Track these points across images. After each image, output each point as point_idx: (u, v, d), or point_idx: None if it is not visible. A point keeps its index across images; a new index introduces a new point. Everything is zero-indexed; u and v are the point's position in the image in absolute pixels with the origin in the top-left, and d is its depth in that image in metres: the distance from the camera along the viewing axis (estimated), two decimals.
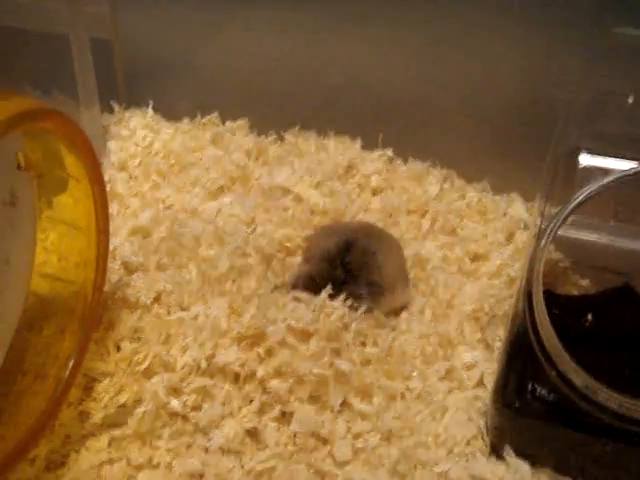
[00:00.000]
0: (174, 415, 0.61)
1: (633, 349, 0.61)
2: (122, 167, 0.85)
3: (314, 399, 0.61)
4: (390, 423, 0.61)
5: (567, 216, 0.59)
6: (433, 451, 0.61)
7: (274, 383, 0.61)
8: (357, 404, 0.62)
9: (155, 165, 0.84)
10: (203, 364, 0.61)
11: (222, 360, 0.61)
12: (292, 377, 0.61)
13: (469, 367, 0.66)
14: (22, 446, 0.55)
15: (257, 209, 0.77)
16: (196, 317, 0.64)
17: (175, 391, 0.61)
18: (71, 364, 0.60)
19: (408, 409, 0.63)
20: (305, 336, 0.63)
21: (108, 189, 0.63)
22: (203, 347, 0.62)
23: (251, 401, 0.61)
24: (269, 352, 0.62)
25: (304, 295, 0.65)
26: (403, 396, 0.64)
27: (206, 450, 0.60)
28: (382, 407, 0.62)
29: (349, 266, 0.67)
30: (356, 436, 0.61)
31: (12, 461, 0.55)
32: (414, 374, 0.65)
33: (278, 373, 0.61)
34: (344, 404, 0.62)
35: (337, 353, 0.63)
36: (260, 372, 0.61)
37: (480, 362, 0.66)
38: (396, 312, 0.70)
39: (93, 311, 0.62)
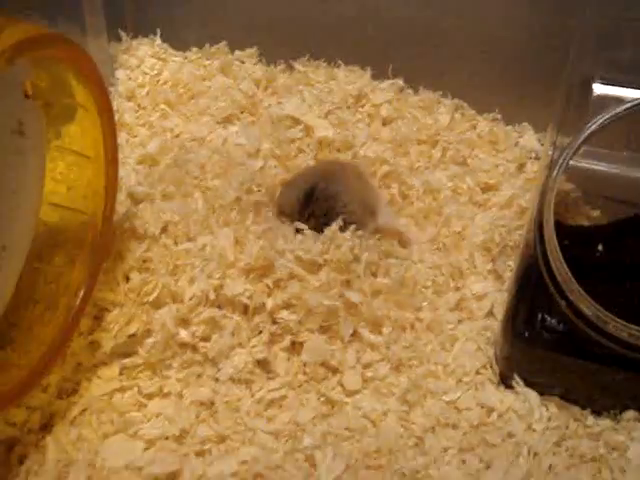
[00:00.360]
0: (183, 345, 0.61)
1: None
2: (130, 96, 0.84)
3: (324, 329, 0.62)
4: (400, 353, 0.62)
5: (580, 146, 0.58)
6: (442, 380, 0.61)
7: (284, 314, 0.61)
8: (367, 334, 0.62)
9: (163, 94, 0.83)
10: (211, 295, 0.61)
11: (230, 291, 0.61)
12: (302, 309, 0.61)
13: (479, 297, 0.66)
14: (35, 374, 0.56)
15: (265, 139, 0.76)
16: (203, 248, 0.64)
17: (184, 322, 0.61)
18: (81, 294, 0.60)
19: (418, 339, 0.64)
20: (314, 268, 0.63)
21: (116, 119, 0.62)
22: (211, 278, 0.62)
23: (260, 332, 0.61)
24: (278, 284, 0.62)
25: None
26: (413, 326, 0.64)
27: (216, 380, 0.61)
28: (392, 337, 0.63)
29: (316, 215, 0.67)
30: (366, 366, 0.62)
31: (25, 388, 0.55)
32: (424, 304, 0.65)
33: (287, 305, 0.61)
34: (354, 335, 0.63)
35: (347, 284, 0.63)
36: (269, 304, 0.61)
37: (490, 292, 0.67)
38: (404, 243, 0.70)
39: (102, 241, 0.62)
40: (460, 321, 0.65)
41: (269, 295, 0.62)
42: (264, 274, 0.62)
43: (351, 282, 0.63)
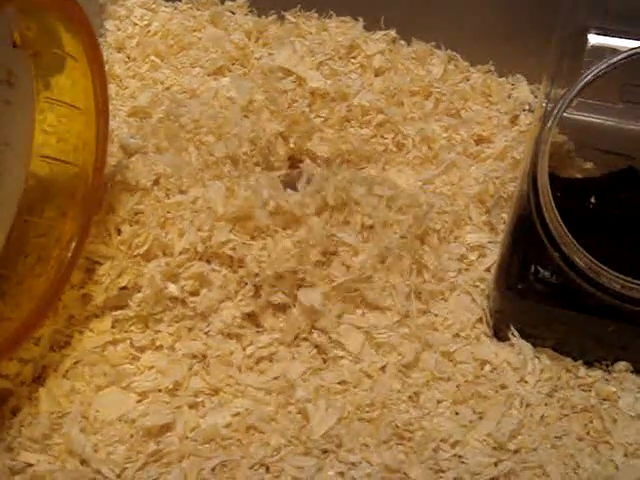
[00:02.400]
0: (174, 300, 0.61)
1: (636, 231, 0.60)
2: (119, 48, 0.83)
3: (315, 279, 0.62)
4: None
5: (575, 96, 0.58)
6: (440, 333, 0.62)
7: (267, 266, 0.61)
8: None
9: (153, 45, 0.82)
10: (200, 248, 0.61)
11: (218, 243, 0.61)
12: (290, 258, 0.61)
13: (473, 249, 0.66)
14: (27, 326, 0.56)
15: (257, 90, 0.75)
16: (195, 201, 0.64)
17: (173, 276, 0.61)
18: (73, 246, 0.60)
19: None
20: (302, 217, 0.63)
21: (106, 70, 0.61)
22: (200, 231, 0.62)
23: (246, 284, 0.61)
24: (261, 235, 0.62)
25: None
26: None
27: (207, 334, 0.61)
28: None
29: None
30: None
31: (18, 341, 0.55)
32: (426, 249, 0.65)
33: (272, 257, 0.61)
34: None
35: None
36: (252, 256, 0.61)
37: (485, 244, 0.66)
38: None
39: (93, 193, 0.62)
40: (459, 271, 0.65)
41: (252, 247, 0.62)
42: (248, 226, 0.62)
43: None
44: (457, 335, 0.62)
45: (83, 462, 0.55)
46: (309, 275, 0.61)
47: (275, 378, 0.59)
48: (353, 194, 0.64)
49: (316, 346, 0.61)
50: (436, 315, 0.63)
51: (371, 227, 0.63)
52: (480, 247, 0.66)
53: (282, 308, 0.62)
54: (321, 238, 0.62)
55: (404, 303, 0.62)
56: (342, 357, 0.60)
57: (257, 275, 0.61)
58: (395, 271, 0.63)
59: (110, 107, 0.62)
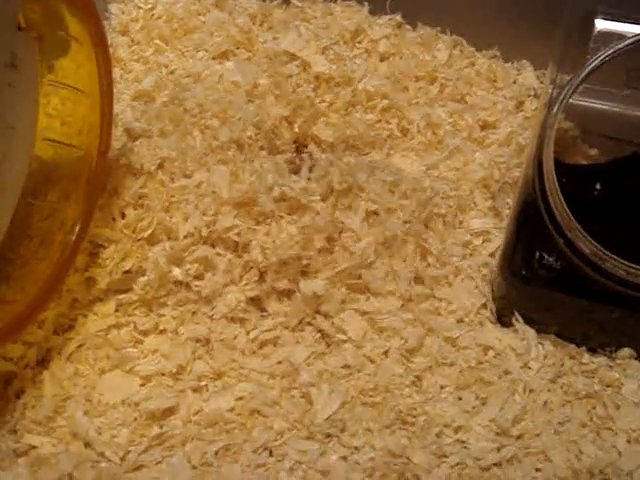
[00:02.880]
0: (178, 283, 0.61)
1: None
2: (124, 31, 0.82)
3: (318, 265, 0.62)
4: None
5: (581, 82, 0.58)
6: (444, 317, 0.62)
7: (271, 252, 0.61)
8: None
9: (158, 29, 0.81)
10: (204, 232, 0.61)
11: (222, 228, 0.61)
12: (298, 240, 0.61)
13: (478, 234, 0.66)
14: (31, 309, 0.56)
15: (261, 75, 0.75)
16: (199, 185, 0.64)
17: (177, 260, 0.61)
18: (77, 230, 0.60)
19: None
20: (306, 202, 0.63)
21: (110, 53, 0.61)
22: (205, 215, 0.62)
23: (251, 268, 0.61)
24: (266, 221, 0.62)
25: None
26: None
27: (211, 318, 0.61)
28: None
29: None
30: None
31: (22, 324, 0.55)
32: (430, 234, 0.65)
33: (276, 242, 0.61)
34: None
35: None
36: (257, 241, 0.61)
37: (489, 230, 0.66)
38: None
39: (98, 177, 0.62)
40: (464, 257, 0.65)
41: (257, 232, 0.62)
42: (253, 211, 0.62)
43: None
44: (461, 320, 0.62)
45: (87, 445, 0.55)
46: (313, 261, 0.61)
47: (279, 362, 0.59)
48: (358, 179, 0.64)
49: (320, 331, 0.61)
50: (440, 300, 0.63)
51: (375, 213, 0.63)
52: (485, 232, 0.66)
53: (286, 294, 0.62)
54: (326, 224, 0.62)
55: (407, 288, 0.62)
56: (345, 341, 0.60)
57: (262, 261, 0.61)
58: (398, 256, 0.63)
59: (114, 91, 0.62)
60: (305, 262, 0.61)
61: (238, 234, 0.61)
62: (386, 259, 0.62)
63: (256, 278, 0.61)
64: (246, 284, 0.61)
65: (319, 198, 0.63)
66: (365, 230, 0.63)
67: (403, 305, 0.61)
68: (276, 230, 0.61)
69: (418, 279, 0.63)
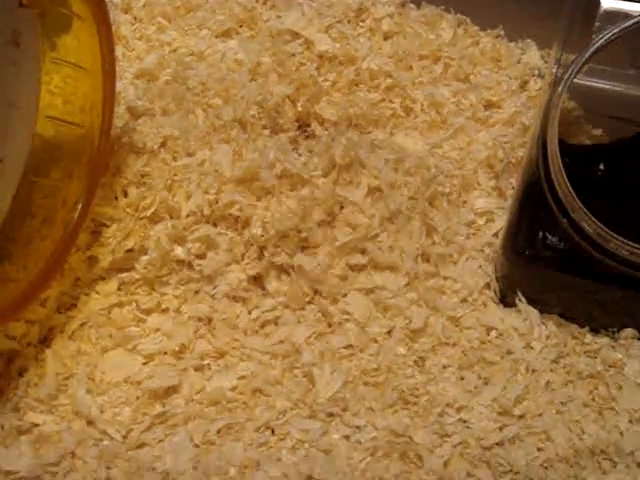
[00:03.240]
0: (180, 262, 0.61)
1: None
2: (126, 9, 0.82)
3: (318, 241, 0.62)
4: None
5: (585, 62, 0.57)
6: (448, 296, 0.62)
7: (273, 227, 0.61)
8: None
9: (160, 7, 0.81)
10: (206, 211, 0.61)
11: (224, 204, 0.61)
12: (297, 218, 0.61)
13: (482, 214, 0.66)
14: (33, 288, 0.56)
15: (264, 53, 0.75)
16: (202, 163, 0.63)
17: (180, 239, 0.61)
18: (79, 208, 0.60)
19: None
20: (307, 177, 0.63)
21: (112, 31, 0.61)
22: (207, 194, 0.62)
23: (251, 245, 0.61)
24: (267, 198, 0.62)
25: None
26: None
27: (213, 297, 0.61)
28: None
29: None
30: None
31: (24, 302, 0.55)
32: (435, 212, 0.65)
33: (279, 218, 0.61)
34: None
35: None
36: (258, 218, 0.61)
37: (493, 209, 0.66)
38: None
39: (100, 155, 0.61)
40: (467, 237, 0.65)
41: (257, 207, 0.62)
42: (254, 187, 0.62)
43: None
44: (464, 300, 0.61)
45: (89, 423, 0.55)
46: (313, 235, 0.61)
47: (280, 342, 0.59)
48: (360, 155, 0.63)
49: (320, 310, 0.61)
50: (445, 279, 0.62)
51: (378, 189, 0.63)
52: (488, 212, 0.66)
53: (286, 270, 0.61)
54: (325, 196, 0.62)
55: (413, 265, 0.62)
56: (348, 320, 0.60)
57: (261, 235, 0.60)
58: (404, 232, 0.62)
59: (117, 69, 0.62)
60: (304, 235, 0.61)
61: (240, 210, 0.61)
62: (392, 234, 0.62)
63: (256, 255, 0.61)
64: (247, 262, 0.61)
65: (320, 173, 0.63)
66: (368, 204, 0.62)
67: (408, 283, 0.61)
68: (276, 204, 0.61)
69: (424, 256, 0.63)
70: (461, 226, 0.65)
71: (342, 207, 0.63)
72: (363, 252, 0.62)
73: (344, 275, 0.61)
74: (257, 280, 0.62)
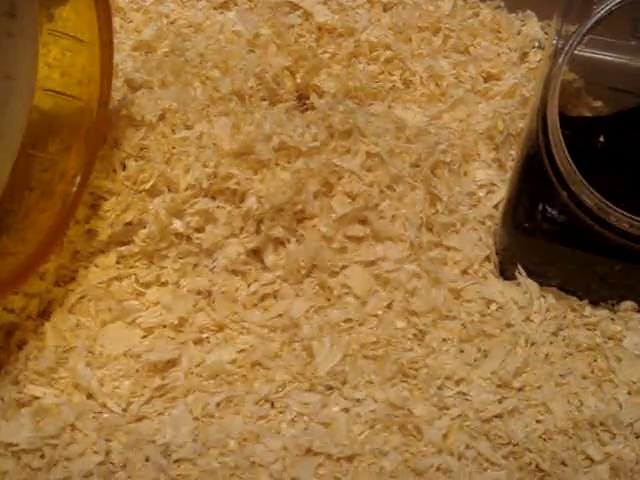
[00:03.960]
0: (179, 236, 0.61)
1: None
2: None
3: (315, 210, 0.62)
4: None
5: (586, 33, 0.57)
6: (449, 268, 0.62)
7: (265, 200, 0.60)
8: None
9: None
10: (205, 184, 0.61)
11: (222, 180, 0.61)
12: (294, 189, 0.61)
13: (482, 186, 0.66)
14: (32, 261, 0.56)
15: (263, 25, 0.74)
16: (200, 136, 0.63)
17: (178, 212, 0.61)
18: (77, 181, 0.60)
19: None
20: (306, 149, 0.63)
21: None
22: (206, 167, 0.61)
23: (249, 218, 0.61)
24: (263, 170, 0.62)
25: None
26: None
27: (212, 270, 0.61)
28: None
29: None
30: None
31: (23, 275, 0.55)
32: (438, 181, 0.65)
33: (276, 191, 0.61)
34: None
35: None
36: (254, 191, 0.61)
37: (494, 181, 0.66)
38: None
39: (98, 128, 0.61)
40: (470, 207, 0.65)
41: (254, 181, 0.61)
42: (250, 160, 0.62)
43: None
44: (465, 272, 0.61)
45: (89, 396, 0.55)
46: (309, 206, 0.61)
47: (279, 315, 0.59)
48: (358, 123, 0.63)
49: (318, 283, 0.60)
50: (448, 249, 0.62)
51: (377, 155, 0.63)
52: (489, 184, 0.66)
53: (283, 243, 0.61)
54: (320, 167, 0.61)
55: (417, 234, 0.61)
56: (347, 294, 0.60)
57: (257, 209, 0.60)
58: (407, 201, 0.62)
59: (114, 41, 0.61)
60: (300, 207, 0.61)
61: (237, 183, 0.61)
62: (394, 202, 0.62)
63: (254, 229, 0.61)
64: (246, 236, 0.61)
65: (318, 144, 0.62)
66: (366, 172, 0.62)
67: (410, 255, 0.61)
68: (270, 177, 0.61)
69: (427, 225, 0.63)
70: (463, 196, 0.65)
71: (340, 177, 0.62)
72: (363, 222, 0.61)
73: (343, 247, 0.61)
74: (256, 253, 0.61)
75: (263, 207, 0.60)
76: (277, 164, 0.62)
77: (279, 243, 0.61)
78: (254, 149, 0.61)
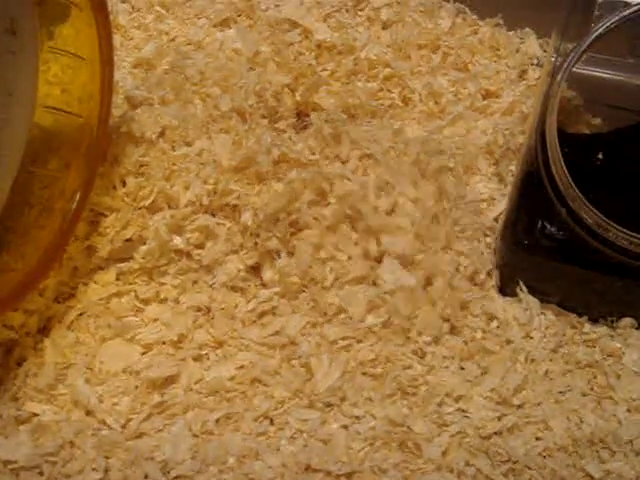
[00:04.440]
0: (179, 252, 0.61)
1: None
2: None
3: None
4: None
5: (585, 51, 0.57)
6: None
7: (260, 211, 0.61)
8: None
9: None
10: (205, 201, 0.61)
11: (222, 195, 0.61)
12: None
13: (483, 200, 0.66)
14: (31, 278, 0.56)
15: (262, 42, 0.74)
16: (200, 153, 0.63)
17: (178, 229, 0.61)
18: (77, 198, 0.60)
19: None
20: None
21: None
22: (206, 184, 0.61)
23: (250, 235, 0.61)
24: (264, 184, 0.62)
25: None
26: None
27: (211, 287, 0.61)
28: None
29: None
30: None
31: (22, 291, 0.55)
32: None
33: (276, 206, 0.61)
34: None
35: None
36: (254, 206, 0.61)
37: (493, 196, 0.66)
38: None
39: (98, 145, 0.61)
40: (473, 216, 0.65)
41: (253, 195, 0.62)
42: (250, 173, 0.62)
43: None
44: (469, 286, 0.61)
45: (88, 413, 0.55)
46: (304, 215, 0.61)
47: (277, 332, 0.59)
48: (351, 133, 0.64)
49: (312, 299, 0.60)
50: (457, 253, 0.62)
51: (370, 157, 0.63)
52: (489, 198, 0.66)
53: (279, 255, 0.61)
54: (313, 176, 0.61)
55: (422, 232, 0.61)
56: (344, 311, 0.59)
57: (252, 223, 0.60)
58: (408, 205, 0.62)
59: (114, 58, 0.62)
60: (295, 216, 0.61)
61: (237, 198, 0.61)
62: (391, 200, 0.62)
63: (251, 244, 0.61)
64: (246, 252, 0.61)
65: (318, 157, 0.63)
66: (359, 175, 0.63)
67: (413, 262, 0.61)
68: (266, 190, 0.61)
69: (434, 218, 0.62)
70: (468, 204, 0.65)
71: (333, 184, 0.62)
72: (357, 217, 0.61)
73: (337, 258, 0.61)
74: (255, 270, 0.61)
75: (258, 219, 0.60)
76: (274, 177, 0.62)
77: (275, 257, 0.61)
78: (254, 162, 0.62)
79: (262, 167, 0.61)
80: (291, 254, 0.61)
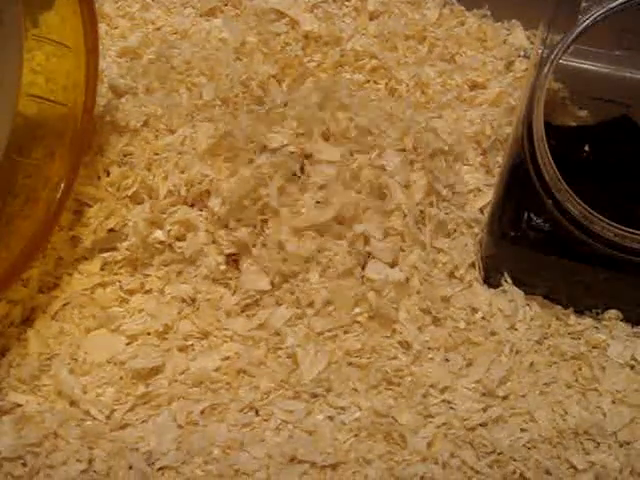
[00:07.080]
0: (162, 243, 0.61)
1: (630, 180, 0.60)
2: None
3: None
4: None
5: (571, 43, 0.57)
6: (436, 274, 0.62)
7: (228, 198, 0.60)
8: None
9: None
10: (183, 191, 0.61)
11: (196, 182, 0.61)
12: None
13: (469, 191, 0.66)
14: (15, 268, 0.56)
15: (249, 32, 0.74)
16: (183, 142, 0.63)
17: (158, 221, 0.61)
18: (61, 187, 0.59)
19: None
20: None
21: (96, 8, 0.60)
22: (183, 173, 0.61)
23: (226, 226, 0.61)
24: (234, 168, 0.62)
25: None
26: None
27: (195, 278, 0.60)
28: None
29: None
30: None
31: (6, 282, 0.55)
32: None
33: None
34: None
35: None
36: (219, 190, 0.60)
37: (480, 186, 0.66)
38: None
39: (83, 134, 0.61)
40: (461, 207, 0.65)
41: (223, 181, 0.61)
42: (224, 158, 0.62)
43: None
44: (452, 278, 0.61)
45: (72, 403, 0.55)
46: (273, 200, 0.60)
47: (262, 324, 0.59)
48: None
49: (293, 290, 0.60)
50: (438, 251, 0.62)
51: (357, 127, 0.63)
52: (476, 189, 0.66)
53: (255, 246, 0.60)
54: (283, 160, 0.61)
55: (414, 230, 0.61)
56: (330, 303, 0.59)
57: (219, 210, 0.60)
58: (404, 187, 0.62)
59: (100, 47, 0.61)
60: (264, 201, 0.60)
61: (210, 183, 0.61)
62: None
63: (222, 232, 0.60)
64: (223, 243, 0.60)
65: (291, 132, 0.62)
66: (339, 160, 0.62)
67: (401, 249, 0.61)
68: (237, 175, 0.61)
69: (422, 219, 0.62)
70: (457, 195, 0.65)
71: (303, 166, 0.62)
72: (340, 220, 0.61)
73: (314, 248, 0.60)
74: (235, 260, 0.61)
75: (227, 206, 0.60)
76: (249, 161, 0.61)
77: (250, 247, 0.60)
78: (230, 145, 0.61)
79: (237, 150, 0.61)
80: (264, 245, 0.60)
